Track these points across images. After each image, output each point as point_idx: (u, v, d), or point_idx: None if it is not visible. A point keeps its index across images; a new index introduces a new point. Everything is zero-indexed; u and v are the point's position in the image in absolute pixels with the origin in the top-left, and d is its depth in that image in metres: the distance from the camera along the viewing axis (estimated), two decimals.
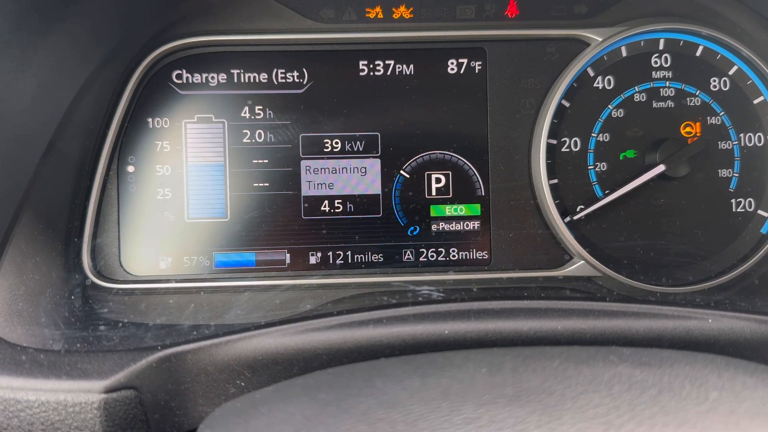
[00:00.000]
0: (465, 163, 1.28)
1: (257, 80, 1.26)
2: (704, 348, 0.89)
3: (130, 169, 1.24)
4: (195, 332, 0.98)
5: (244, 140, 1.25)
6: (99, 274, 1.21)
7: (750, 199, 1.29)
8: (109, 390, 0.80)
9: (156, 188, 1.24)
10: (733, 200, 1.29)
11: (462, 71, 1.28)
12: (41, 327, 1.00)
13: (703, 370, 0.71)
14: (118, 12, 1.14)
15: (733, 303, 1.19)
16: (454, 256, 1.28)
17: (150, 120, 1.24)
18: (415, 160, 1.28)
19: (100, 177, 1.21)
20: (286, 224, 1.26)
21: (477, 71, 1.28)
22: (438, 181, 1.28)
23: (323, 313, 0.91)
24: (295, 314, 1.17)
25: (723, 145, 1.29)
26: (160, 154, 1.24)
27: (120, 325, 1.12)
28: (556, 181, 1.27)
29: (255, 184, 1.25)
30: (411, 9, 1.27)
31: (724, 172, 1.29)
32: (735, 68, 1.29)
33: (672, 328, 0.90)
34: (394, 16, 1.27)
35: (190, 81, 1.25)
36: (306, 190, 1.26)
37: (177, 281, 1.23)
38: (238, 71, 1.26)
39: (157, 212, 1.24)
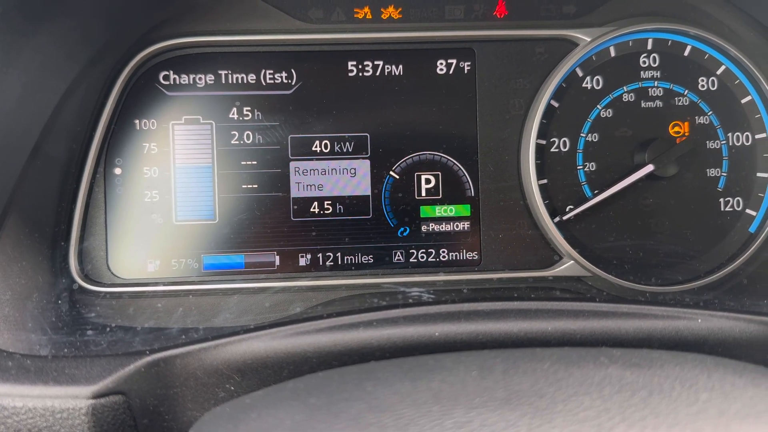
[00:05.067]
0: (454, 163, 1.28)
1: (245, 81, 1.25)
2: (694, 348, 0.90)
3: (117, 171, 1.23)
4: (184, 336, 0.98)
5: (233, 142, 1.25)
6: (86, 278, 1.20)
7: (738, 198, 1.30)
8: (97, 395, 0.80)
9: (143, 190, 1.23)
10: (721, 199, 1.30)
11: (451, 72, 1.28)
12: (28, 332, 0.99)
13: (693, 371, 0.71)
14: (105, 12, 1.13)
15: (722, 302, 1.19)
16: (444, 257, 1.28)
17: (137, 122, 1.23)
18: (404, 160, 1.27)
19: (87, 179, 1.20)
20: (275, 226, 1.25)
21: (466, 72, 1.28)
22: (428, 181, 1.28)
23: (313, 315, 0.91)
24: (284, 317, 1.16)
25: (711, 145, 1.30)
26: (148, 156, 1.23)
27: (108, 329, 1.10)
28: (545, 181, 1.27)
29: (243, 186, 1.25)
30: (399, 9, 1.27)
31: (712, 172, 1.30)
32: (723, 68, 1.30)
33: (662, 328, 0.91)
34: (382, 16, 1.27)
35: (178, 82, 1.24)
36: (295, 192, 1.26)
37: (165, 284, 1.22)
38: (226, 72, 1.25)
39: (145, 215, 1.23)
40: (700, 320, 0.91)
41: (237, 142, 1.25)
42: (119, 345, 0.97)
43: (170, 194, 1.24)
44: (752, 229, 1.30)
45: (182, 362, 0.84)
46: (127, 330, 1.10)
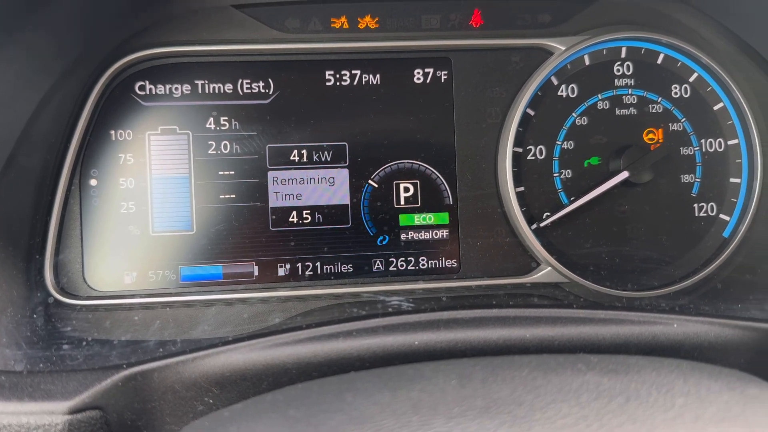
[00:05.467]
0: (433, 172, 1.28)
1: (222, 91, 1.25)
2: (670, 352, 0.91)
3: (93, 182, 1.21)
4: (161, 349, 0.97)
5: (210, 152, 1.24)
6: (62, 291, 1.18)
7: (712, 203, 1.32)
8: (74, 411, 0.79)
9: (120, 202, 1.22)
10: (695, 205, 1.32)
11: (428, 81, 1.28)
12: (2, 347, 0.98)
13: (669, 376, 0.72)
14: (80, 22, 1.12)
15: (697, 307, 1.21)
16: (423, 265, 1.28)
17: (113, 132, 1.22)
18: (383, 169, 1.28)
19: (62, 191, 1.18)
20: (253, 236, 1.24)
21: (443, 81, 1.29)
22: (406, 190, 1.28)
23: (292, 326, 0.90)
24: (263, 328, 1.15)
25: (685, 151, 1.32)
26: (124, 167, 1.22)
27: (84, 343, 1.09)
28: (522, 189, 1.28)
29: (221, 196, 1.24)
30: (376, 19, 1.28)
31: (686, 178, 1.32)
32: (695, 75, 1.32)
33: (638, 333, 0.92)
34: (359, 26, 1.27)
35: (154, 92, 1.24)
36: (273, 201, 1.25)
37: (142, 296, 1.20)
38: (203, 82, 1.25)
39: (121, 226, 1.22)
40: (675, 325, 0.92)
41: (214, 152, 1.24)
42: (96, 359, 0.96)
43: (147, 205, 1.22)
44: (726, 233, 1.32)
45: (160, 375, 0.83)
46: (104, 343, 1.08)
